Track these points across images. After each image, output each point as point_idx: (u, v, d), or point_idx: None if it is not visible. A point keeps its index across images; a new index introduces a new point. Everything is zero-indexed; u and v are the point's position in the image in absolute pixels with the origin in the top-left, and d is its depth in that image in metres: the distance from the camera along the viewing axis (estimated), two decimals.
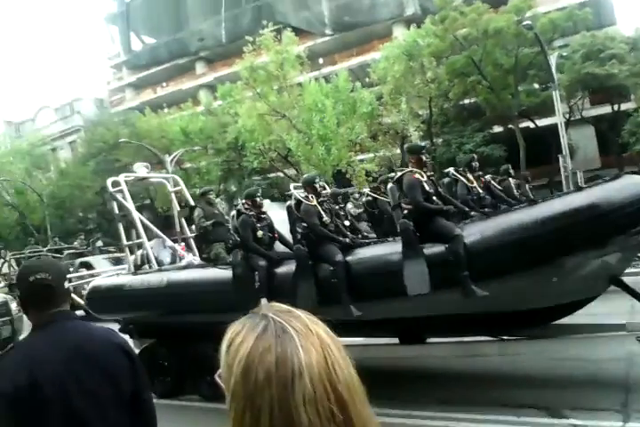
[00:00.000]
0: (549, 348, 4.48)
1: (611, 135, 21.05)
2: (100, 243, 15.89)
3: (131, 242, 6.44)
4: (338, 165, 20.37)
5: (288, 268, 4.37)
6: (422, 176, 3.90)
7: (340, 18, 28.31)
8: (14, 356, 1.39)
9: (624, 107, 20.55)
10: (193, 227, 6.30)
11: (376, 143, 22.55)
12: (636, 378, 3.97)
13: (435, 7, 20.21)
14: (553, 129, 18.36)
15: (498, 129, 21.80)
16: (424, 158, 4.10)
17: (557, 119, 17.24)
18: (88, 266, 12.91)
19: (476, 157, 5.29)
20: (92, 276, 8.56)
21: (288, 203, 4.51)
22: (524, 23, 15.74)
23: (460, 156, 20.52)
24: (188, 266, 5.51)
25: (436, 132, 22.42)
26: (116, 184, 6.05)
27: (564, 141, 16.95)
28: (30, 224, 27.76)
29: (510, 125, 20.84)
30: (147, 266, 5.93)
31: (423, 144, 4.44)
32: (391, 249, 3.81)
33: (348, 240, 4.19)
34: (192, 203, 6.65)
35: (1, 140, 31.55)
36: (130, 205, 5.94)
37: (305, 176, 4.92)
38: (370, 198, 5.35)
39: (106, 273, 7.81)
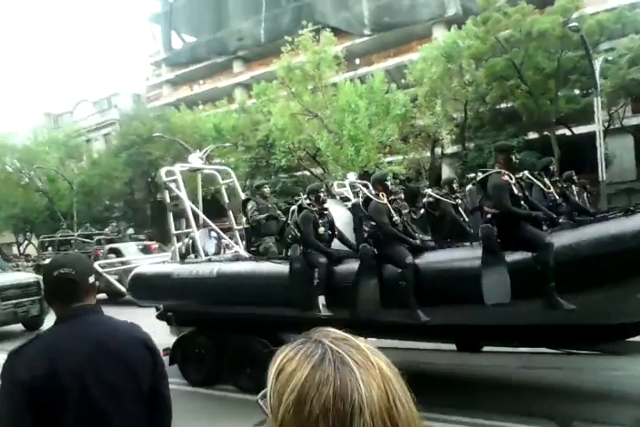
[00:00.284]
0: (615, 364, 4.34)
1: None
2: (131, 230, 15.93)
3: (179, 231, 6.36)
4: (366, 167, 20.21)
5: (348, 266, 4.28)
6: (511, 178, 3.71)
7: (379, 18, 28.05)
8: (36, 345, 1.41)
9: None
10: (244, 220, 6.21)
11: (406, 146, 22.35)
12: None
13: (477, 8, 19.84)
14: (590, 137, 17.85)
15: (533, 135, 21.32)
16: (514, 158, 3.87)
17: (596, 127, 16.76)
18: (117, 252, 12.94)
19: (553, 160, 5.03)
20: (123, 263, 8.64)
21: (355, 200, 4.39)
22: (571, 25, 15.22)
23: (492, 162, 20.15)
24: (239, 258, 5.45)
25: (469, 136, 22.07)
26: (169, 174, 6.00)
27: (600, 151, 16.47)
28: (58, 210, 28.56)
29: (546, 132, 20.36)
30: (191, 255, 5.90)
31: (513, 142, 4.22)
32: (468, 254, 3.69)
33: (417, 242, 4.05)
34: (242, 196, 6.65)
35: (39, 130, 32.52)
36: (183, 194, 5.76)
37: (376, 174, 4.82)
38: (431, 199, 5.22)
39: (138, 261, 7.86)
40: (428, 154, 23.09)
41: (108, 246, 13.70)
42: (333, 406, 0.55)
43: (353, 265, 4.21)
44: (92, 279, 1.51)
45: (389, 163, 21.49)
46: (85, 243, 14.88)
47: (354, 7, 28.80)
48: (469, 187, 3.97)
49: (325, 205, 4.65)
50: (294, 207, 4.79)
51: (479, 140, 21.41)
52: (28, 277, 9.83)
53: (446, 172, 25.65)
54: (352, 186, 6.73)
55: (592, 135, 17.07)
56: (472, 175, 4.00)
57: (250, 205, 5.83)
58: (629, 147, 22.72)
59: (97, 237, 14.91)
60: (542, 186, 4.42)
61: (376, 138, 20.32)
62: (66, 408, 1.32)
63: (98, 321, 1.49)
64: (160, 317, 5.81)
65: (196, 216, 6.06)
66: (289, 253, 4.64)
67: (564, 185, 5.24)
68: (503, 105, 20.95)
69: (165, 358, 5.00)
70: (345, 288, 4.14)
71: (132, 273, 5.89)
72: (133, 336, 1.51)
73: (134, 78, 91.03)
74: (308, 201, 4.68)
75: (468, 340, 4.79)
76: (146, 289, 5.72)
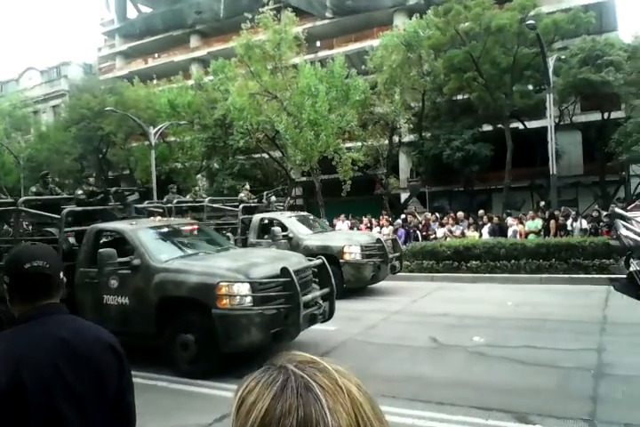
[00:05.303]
0: None
1: (597, 143, 21.24)
2: (273, 198, 11.60)
3: None
4: (324, 152, 20.13)
5: None
6: None
7: (341, 2, 27.71)
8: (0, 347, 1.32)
9: (614, 115, 20.71)
10: None
11: (365, 132, 22.36)
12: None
13: None
14: (541, 132, 18.40)
15: (487, 128, 21.80)
16: None
17: (547, 122, 17.26)
18: (280, 224, 9.74)
19: None
20: None
21: None
22: (528, 22, 15.46)
23: (447, 151, 20.50)
24: None
25: (426, 125, 22.33)
26: None
27: (551, 145, 17.04)
28: (4, 186, 27.06)
29: (500, 125, 20.84)
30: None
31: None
32: None
33: None
34: None
35: None
36: None
37: None
38: None
39: None
40: (386, 142, 23.22)
41: (258, 217, 10.22)
42: None
43: None
44: (62, 274, 1.43)
45: (348, 149, 21.45)
46: (215, 210, 10.96)
47: None
48: None
49: None
50: None
51: (435, 130, 21.70)
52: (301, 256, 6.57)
53: (403, 160, 25.95)
54: None
55: (544, 130, 17.57)
56: None
57: None
58: (577, 142, 23.66)
59: (242, 205, 10.92)
60: None
61: (335, 123, 20.18)
62: (29, 418, 1.25)
63: (66, 321, 1.40)
64: None
65: None
66: None
67: None
68: (460, 97, 21.24)
69: None
70: None
71: None
72: (98, 337, 1.42)
73: (86, 48, 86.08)
74: None
75: None
76: None
